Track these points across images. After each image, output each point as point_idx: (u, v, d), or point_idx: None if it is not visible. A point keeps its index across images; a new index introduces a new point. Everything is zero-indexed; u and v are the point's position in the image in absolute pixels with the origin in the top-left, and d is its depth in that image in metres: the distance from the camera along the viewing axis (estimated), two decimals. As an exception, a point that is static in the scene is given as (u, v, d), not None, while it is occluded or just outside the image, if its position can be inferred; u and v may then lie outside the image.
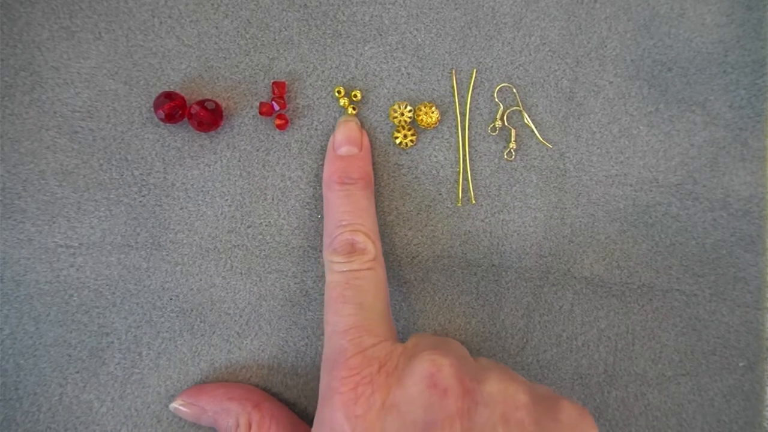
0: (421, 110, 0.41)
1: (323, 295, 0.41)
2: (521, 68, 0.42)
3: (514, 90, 0.42)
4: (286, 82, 0.42)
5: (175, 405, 0.39)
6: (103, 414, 0.40)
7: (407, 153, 0.42)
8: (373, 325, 0.35)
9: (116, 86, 0.41)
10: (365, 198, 0.39)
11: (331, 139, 0.41)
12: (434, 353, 0.32)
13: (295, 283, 0.42)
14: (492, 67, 0.42)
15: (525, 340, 0.42)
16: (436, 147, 0.42)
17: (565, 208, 0.42)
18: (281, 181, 0.42)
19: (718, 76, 0.43)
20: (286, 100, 0.42)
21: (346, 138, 0.40)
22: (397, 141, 0.41)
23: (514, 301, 0.42)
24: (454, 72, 0.42)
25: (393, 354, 0.34)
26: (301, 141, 0.42)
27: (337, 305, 0.35)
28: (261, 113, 0.41)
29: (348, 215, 0.38)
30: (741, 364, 0.42)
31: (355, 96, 0.41)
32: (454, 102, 0.42)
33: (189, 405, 0.39)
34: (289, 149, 0.42)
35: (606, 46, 0.43)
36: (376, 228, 0.39)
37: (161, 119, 0.40)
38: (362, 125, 0.42)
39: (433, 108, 0.41)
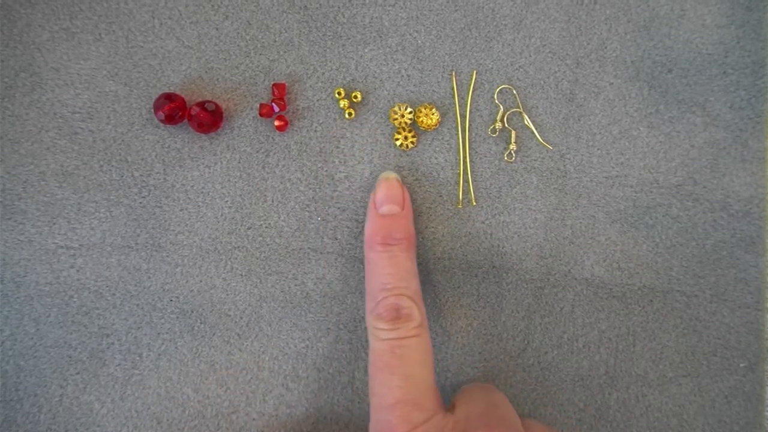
0: (421, 112, 0.41)
1: (323, 296, 0.41)
2: (521, 70, 0.42)
3: (515, 91, 0.42)
4: (286, 84, 0.42)
5: None
6: (103, 415, 0.40)
7: (407, 155, 0.42)
8: (422, 397, 0.34)
9: (116, 87, 0.41)
10: (409, 259, 0.38)
11: (372, 196, 0.40)
12: None
13: (295, 285, 0.42)
14: (492, 68, 0.42)
15: (526, 342, 0.42)
16: (437, 149, 0.42)
17: (566, 210, 0.42)
18: (281, 182, 0.42)
19: (718, 78, 0.43)
20: (286, 101, 0.42)
21: (387, 196, 0.39)
22: (398, 143, 0.41)
23: (515, 303, 0.42)
24: (454, 73, 0.42)
25: (444, 431, 0.33)
26: (301, 142, 0.42)
27: (384, 375, 0.34)
28: (261, 115, 0.41)
29: (392, 278, 0.36)
30: (742, 365, 0.42)
31: (356, 97, 0.41)
32: (455, 103, 0.42)
33: None
34: (289, 151, 0.42)
35: (606, 48, 0.43)
36: (419, 291, 0.38)
37: (161, 120, 0.40)
38: (361, 127, 0.42)
39: (434, 110, 0.41)
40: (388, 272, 0.37)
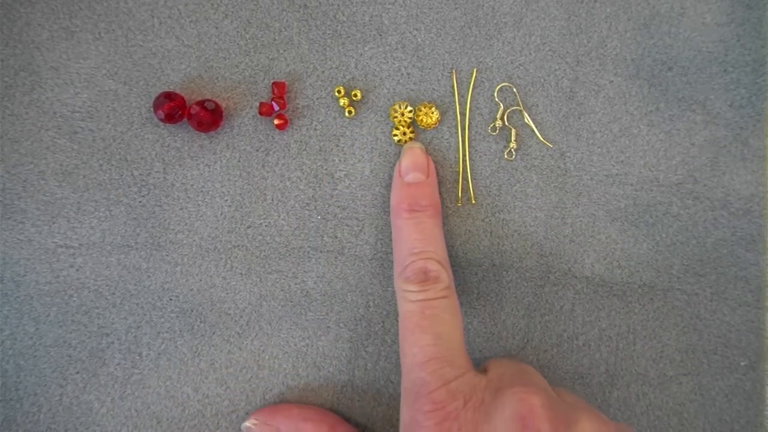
0: (421, 110, 0.41)
1: (323, 295, 0.41)
2: (521, 68, 0.42)
3: (515, 90, 0.42)
4: (286, 83, 0.42)
5: (248, 424, 0.39)
6: (103, 414, 0.40)
7: (407, 153, 0.42)
8: (453, 355, 0.34)
9: (116, 86, 0.41)
10: (435, 226, 0.38)
11: (397, 165, 0.41)
12: (524, 391, 0.31)
13: (295, 284, 0.41)
14: (492, 66, 0.42)
15: (526, 340, 0.42)
16: (436, 147, 0.42)
17: (566, 208, 0.42)
18: (281, 181, 0.42)
19: (718, 75, 0.43)
20: (286, 100, 0.42)
21: (413, 164, 0.40)
22: (396, 139, 0.41)
23: (514, 301, 0.42)
24: (454, 72, 0.42)
25: (477, 387, 0.33)
26: (301, 141, 0.42)
27: (415, 335, 0.34)
28: (261, 113, 0.41)
29: (419, 243, 0.37)
30: (742, 364, 0.42)
31: (355, 96, 0.41)
32: (454, 102, 0.42)
33: (262, 425, 0.39)
34: (289, 149, 0.42)
35: (606, 46, 0.43)
36: (446, 256, 0.38)
37: (161, 119, 0.40)
38: (361, 125, 0.42)
39: (433, 108, 0.41)
40: (415, 237, 0.37)
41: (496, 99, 0.42)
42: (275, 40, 0.42)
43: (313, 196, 0.42)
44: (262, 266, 0.41)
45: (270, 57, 0.42)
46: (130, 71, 0.41)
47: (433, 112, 0.41)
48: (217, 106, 0.40)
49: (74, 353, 0.40)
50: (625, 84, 0.43)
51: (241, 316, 0.41)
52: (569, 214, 0.42)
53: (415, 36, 0.42)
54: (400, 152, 0.42)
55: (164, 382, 0.41)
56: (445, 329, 0.35)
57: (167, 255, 0.41)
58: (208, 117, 0.40)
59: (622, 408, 0.42)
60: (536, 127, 0.42)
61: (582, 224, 0.42)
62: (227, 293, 0.41)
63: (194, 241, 0.41)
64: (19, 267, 0.40)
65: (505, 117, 0.42)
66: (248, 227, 0.41)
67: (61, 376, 0.40)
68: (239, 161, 0.41)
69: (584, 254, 0.42)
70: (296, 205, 0.42)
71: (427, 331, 0.34)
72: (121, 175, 0.41)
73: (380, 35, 0.42)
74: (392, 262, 0.42)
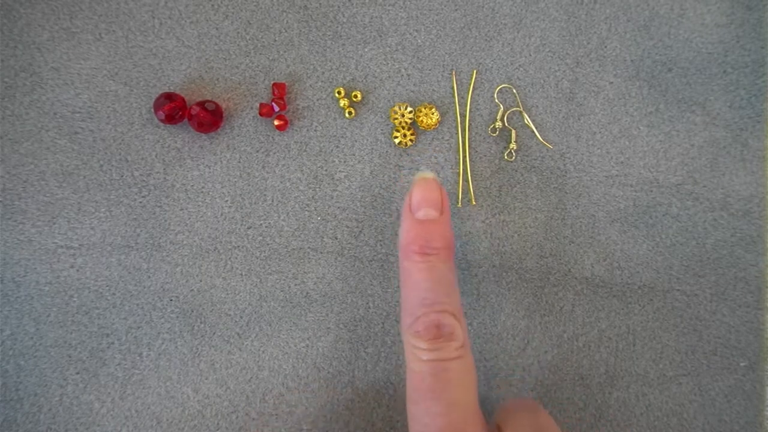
0: (421, 111, 0.41)
1: (323, 296, 0.41)
2: (521, 69, 0.42)
3: (515, 91, 0.42)
4: (286, 84, 0.42)
5: None
6: (103, 415, 0.40)
7: (408, 154, 0.42)
8: (467, 422, 0.32)
9: (116, 87, 0.41)
10: (449, 270, 0.34)
11: (407, 198, 0.36)
12: None
13: (295, 285, 0.41)
14: (492, 68, 0.42)
15: (526, 341, 0.42)
16: (437, 148, 0.42)
17: (566, 209, 0.42)
18: (281, 182, 0.42)
19: (718, 77, 0.43)
20: (286, 101, 0.42)
21: (424, 199, 0.35)
22: (397, 141, 0.41)
23: (514, 302, 0.42)
24: (454, 73, 0.42)
25: None
26: (301, 142, 0.42)
27: (426, 402, 0.32)
28: (261, 114, 0.41)
29: (431, 292, 0.33)
30: (742, 364, 0.42)
31: (356, 97, 0.41)
32: (455, 103, 0.42)
33: None
34: (289, 150, 0.42)
35: (606, 47, 0.43)
36: (460, 305, 0.34)
37: (161, 120, 0.40)
38: (361, 126, 0.42)
39: (433, 109, 0.41)
40: (427, 285, 0.33)
41: (496, 100, 0.42)
42: (275, 41, 0.42)
43: (313, 197, 0.42)
44: (262, 267, 0.41)
45: (270, 58, 0.42)
46: (130, 72, 0.41)
47: (433, 113, 0.41)
48: (218, 106, 0.40)
49: (74, 353, 0.40)
50: (625, 85, 0.43)
51: (241, 317, 0.41)
52: (569, 215, 0.42)
53: (415, 37, 0.42)
54: (400, 153, 0.42)
55: (164, 383, 0.41)
56: (458, 395, 0.32)
57: (167, 255, 0.41)
58: (209, 118, 0.40)
59: (621, 408, 0.42)
60: (536, 128, 0.42)
61: (582, 225, 0.42)
62: (227, 294, 0.41)
63: (194, 241, 0.41)
64: (20, 267, 0.40)
65: (505, 118, 0.42)
66: (248, 228, 0.41)
67: (62, 377, 0.40)
68: (239, 162, 0.41)
69: (584, 255, 0.42)
70: (296, 206, 0.42)
71: (439, 398, 0.31)
72: (122, 176, 0.41)
73: (380, 36, 0.42)
74: (392, 263, 0.42)
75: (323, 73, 0.42)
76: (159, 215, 0.41)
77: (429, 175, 0.36)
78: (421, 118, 0.41)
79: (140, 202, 0.41)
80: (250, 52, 0.42)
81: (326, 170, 0.42)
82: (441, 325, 0.32)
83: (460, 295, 0.35)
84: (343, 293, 0.42)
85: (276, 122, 0.41)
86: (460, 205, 0.42)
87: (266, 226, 0.41)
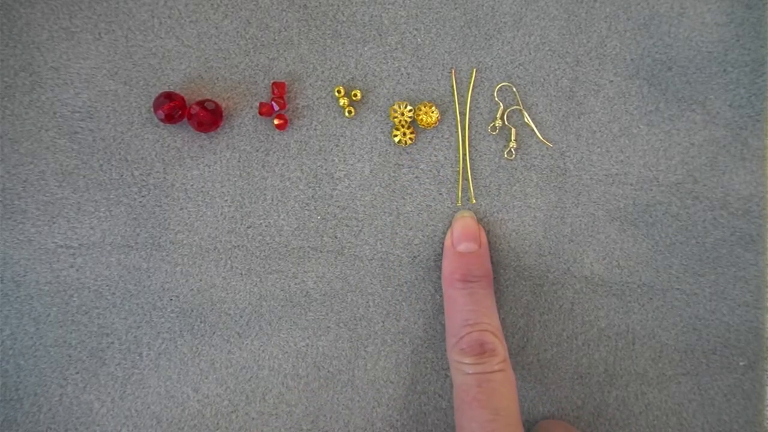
0: (420, 110, 0.41)
1: (323, 295, 0.41)
2: (521, 67, 0.42)
3: (514, 89, 0.42)
4: (286, 83, 0.42)
5: None
6: (103, 414, 0.40)
7: (408, 153, 0.42)
8: None
9: (116, 87, 0.41)
10: (488, 296, 0.39)
11: (448, 234, 0.41)
12: None
13: (295, 284, 0.42)
14: (492, 66, 0.42)
15: (525, 340, 0.42)
16: (436, 146, 0.42)
17: (565, 207, 0.42)
18: (281, 181, 0.42)
19: (717, 75, 0.43)
20: (286, 100, 0.42)
21: (464, 234, 0.40)
22: (396, 139, 0.41)
23: (513, 300, 0.42)
24: (453, 71, 0.42)
25: None
26: (301, 141, 0.42)
27: (473, 410, 0.34)
28: (261, 113, 0.41)
29: (474, 314, 0.37)
30: (741, 363, 0.42)
31: (355, 96, 0.41)
32: (454, 101, 0.42)
33: None
34: (289, 149, 0.42)
35: (606, 45, 0.43)
36: (500, 327, 0.38)
37: (161, 119, 0.40)
38: (361, 125, 0.42)
39: (433, 108, 0.41)
40: (470, 308, 0.37)
41: (496, 98, 0.42)
42: (275, 40, 0.42)
43: (312, 196, 0.42)
44: (262, 266, 0.41)
45: (270, 57, 0.42)
46: (130, 71, 0.41)
47: (433, 112, 0.41)
48: (217, 106, 0.40)
49: (74, 353, 0.41)
50: (625, 84, 0.43)
51: (241, 316, 0.41)
52: (568, 214, 0.42)
53: (414, 36, 0.42)
54: (400, 152, 0.42)
55: (164, 382, 0.41)
56: (503, 404, 0.34)
57: (167, 255, 0.41)
58: (208, 117, 0.40)
59: (620, 407, 0.42)
60: (536, 126, 0.42)
61: (581, 224, 0.42)
62: (227, 293, 0.41)
63: (194, 241, 0.41)
64: (20, 267, 0.40)
65: (505, 116, 0.42)
66: (248, 227, 0.41)
67: (62, 376, 0.40)
68: (239, 161, 0.41)
69: (583, 254, 0.42)
70: (296, 205, 0.42)
71: (485, 406, 0.34)
72: (121, 176, 0.41)
73: (380, 35, 0.42)
74: (392, 262, 0.42)
75: (323, 72, 0.42)
76: (159, 215, 0.41)
77: (467, 213, 0.41)
78: (420, 117, 0.41)
79: (140, 202, 0.41)
80: (249, 52, 0.42)
81: (326, 169, 0.42)
82: (484, 343, 0.36)
83: (499, 319, 0.39)
84: (343, 292, 0.42)
85: (276, 121, 0.41)
86: (459, 203, 0.42)
87: (266, 226, 0.42)
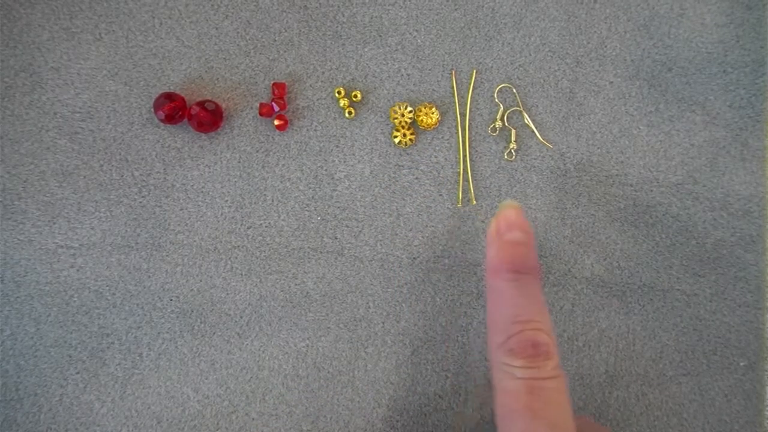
0: (421, 111, 0.41)
1: (323, 296, 0.41)
2: (521, 68, 0.42)
3: (514, 90, 0.42)
4: (286, 83, 0.42)
5: None
6: (103, 415, 0.40)
7: (408, 154, 0.42)
8: None
9: (116, 87, 0.41)
10: (539, 291, 0.33)
11: (492, 223, 0.35)
12: None
13: (295, 284, 0.42)
14: (492, 67, 0.42)
15: (525, 341, 0.42)
16: (437, 147, 0.42)
17: (566, 208, 0.42)
18: (281, 182, 0.42)
19: (717, 76, 0.43)
20: (286, 101, 0.42)
21: (514, 223, 0.34)
22: (396, 140, 0.41)
23: (514, 302, 0.42)
24: (454, 72, 0.42)
25: None
26: (301, 142, 0.42)
27: (524, 421, 0.29)
28: (261, 114, 0.41)
29: (525, 310, 0.32)
30: (742, 364, 0.42)
31: (355, 97, 0.41)
32: (454, 102, 0.42)
33: None
34: (289, 150, 0.42)
35: (606, 46, 0.43)
36: (553, 328, 0.34)
37: (161, 120, 0.40)
38: (361, 126, 0.42)
39: (433, 109, 0.41)
40: (520, 302, 0.32)
41: (496, 99, 0.42)
42: (275, 40, 0.42)
43: (313, 197, 0.42)
44: (262, 267, 0.41)
45: (270, 58, 0.42)
46: (130, 72, 0.41)
47: (433, 113, 0.41)
48: (218, 106, 0.40)
49: (74, 353, 0.41)
50: (625, 84, 0.43)
51: (242, 317, 0.41)
52: (569, 215, 0.42)
53: (415, 37, 0.42)
54: (400, 153, 0.42)
55: (164, 383, 0.41)
56: (560, 417, 0.30)
57: (167, 255, 0.41)
58: (209, 117, 0.40)
59: (621, 408, 0.42)
60: (536, 127, 0.42)
61: (582, 225, 0.42)
62: (227, 294, 0.41)
63: (194, 241, 0.41)
64: (20, 267, 0.40)
65: (505, 117, 0.42)
66: (248, 228, 0.41)
67: (62, 377, 0.40)
68: (239, 162, 0.41)
69: (584, 255, 0.42)
70: (296, 205, 0.42)
71: (541, 417, 0.29)
72: (122, 176, 0.41)
73: (380, 36, 0.42)
74: (392, 263, 0.42)
75: (323, 72, 0.42)
76: (159, 215, 0.41)
77: (514, 203, 0.35)
78: (421, 118, 0.41)
79: (140, 202, 0.41)
80: (250, 52, 0.42)
81: (326, 170, 0.42)
82: (537, 344, 0.31)
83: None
84: (343, 293, 0.42)
85: (276, 122, 0.41)
86: (460, 204, 0.42)
87: (266, 226, 0.42)
